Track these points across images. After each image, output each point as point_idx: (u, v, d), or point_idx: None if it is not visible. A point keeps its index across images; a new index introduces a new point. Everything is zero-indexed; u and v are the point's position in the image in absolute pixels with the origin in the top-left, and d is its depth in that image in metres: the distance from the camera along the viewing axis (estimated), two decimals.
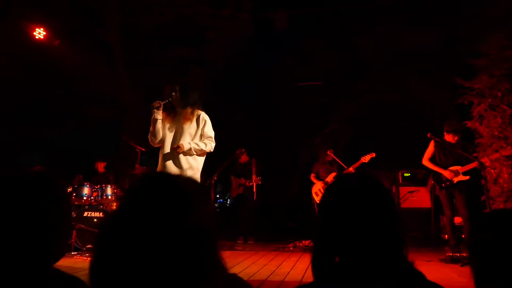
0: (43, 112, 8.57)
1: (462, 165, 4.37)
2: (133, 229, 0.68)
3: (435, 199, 5.19)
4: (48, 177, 1.02)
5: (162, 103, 3.35)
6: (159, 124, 3.36)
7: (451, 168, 4.40)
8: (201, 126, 3.39)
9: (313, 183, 6.22)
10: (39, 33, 6.57)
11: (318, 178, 6.14)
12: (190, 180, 0.85)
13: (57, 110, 8.58)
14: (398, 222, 1.01)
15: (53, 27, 6.87)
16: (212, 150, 3.42)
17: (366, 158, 5.49)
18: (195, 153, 3.33)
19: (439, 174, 4.46)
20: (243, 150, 6.31)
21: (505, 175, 5.05)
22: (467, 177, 4.34)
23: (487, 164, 4.45)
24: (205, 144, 3.34)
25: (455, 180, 4.36)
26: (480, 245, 1.08)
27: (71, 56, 7.47)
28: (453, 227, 4.46)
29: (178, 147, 3.25)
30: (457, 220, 4.78)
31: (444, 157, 4.49)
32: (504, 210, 1.23)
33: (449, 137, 4.45)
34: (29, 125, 8.58)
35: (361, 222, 0.96)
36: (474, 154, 4.53)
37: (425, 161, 4.63)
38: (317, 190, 6.17)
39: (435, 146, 4.55)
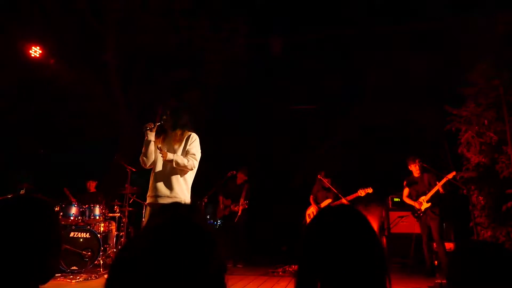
0: (36, 129, 8.54)
1: (425, 194, 5.08)
2: (159, 274, 0.70)
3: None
4: (38, 200, 1.06)
5: (155, 125, 3.37)
6: (151, 146, 3.37)
7: (419, 199, 5.12)
8: (188, 143, 3.40)
9: (309, 204, 6.23)
10: (35, 51, 6.64)
11: (316, 201, 6.16)
12: (206, 219, 0.88)
13: (51, 127, 8.57)
14: (379, 253, 1.03)
15: (49, 46, 6.95)
16: (193, 169, 3.35)
17: (362, 192, 5.58)
18: (175, 166, 3.29)
19: (413, 206, 5.20)
20: (234, 172, 6.30)
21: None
22: (429, 204, 5.01)
23: (440, 190, 4.98)
24: (187, 160, 3.30)
25: (422, 208, 5.07)
26: (458, 278, 1.13)
27: (67, 75, 7.53)
28: (429, 251, 5.07)
29: (161, 150, 3.23)
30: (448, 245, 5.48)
31: (415, 191, 5.23)
32: (482, 243, 1.27)
33: (413, 171, 5.21)
34: (21, 142, 8.53)
35: (341, 254, 0.99)
36: (436, 187, 4.99)
37: (404, 198, 5.41)
38: (311, 213, 6.19)
39: (407, 184, 5.32)
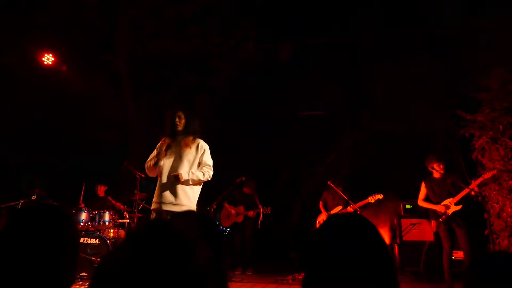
0: (48, 135, 8.65)
1: (453, 196, 4.51)
2: (136, 279, 0.69)
3: (437, 233, 5.11)
4: (57, 208, 1.06)
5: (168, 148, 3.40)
6: (160, 168, 3.41)
7: (443, 202, 4.55)
8: (199, 154, 3.40)
9: (319, 212, 6.18)
10: (48, 58, 6.75)
11: (326, 207, 6.10)
12: (188, 222, 0.87)
13: (62, 133, 8.67)
14: (388, 263, 0.99)
15: (61, 52, 7.06)
16: (209, 179, 3.41)
17: (372, 199, 5.46)
18: (192, 183, 3.31)
19: (435, 211, 4.61)
20: (244, 178, 6.26)
21: (509, 209, 4.94)
22: (460, 206, 4.45)
23: (475, 189, 4.56)
24: (203, 174, 3.33)
25: (449, 212, 4.49)
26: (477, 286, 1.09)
27: (78, 81, 7.63)
28: (450, 261, 4.49)
29: (177, 176, 3.23)
30: (455, 254, 4.93)
31: (435, 194, 4.66)
32: (501, 253, 1.21)
33: (436, 172, 4.66)
34: (33, 147, 8.65)
35: (348, 263, 0.95)
36: (471, 186, 4.51)
37: (420, 202, 4.83)
38: (321, 220, 6.13)
39: (426, 186, 4.76)
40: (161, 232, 0.78)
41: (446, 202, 4.54)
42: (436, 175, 4.69)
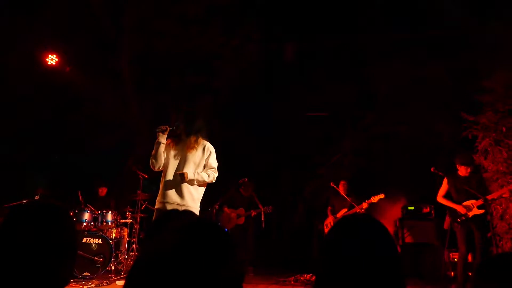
0: (52, 134, 8.69)
1: (476, 199, 4.29)
2: (178, 276, 0.70)
3: (442, 235, 5.03)
4: (54, 206, 1.06)
5: (168, 128, 3.38)
6: (162, 148, 3.38)
7: (464, 203, 4.36)
8: (206, 156, 3.41)
9: (324, 214, 6.20)
10: (52, 59, 6.78)
11: (332, 212, 6.12)
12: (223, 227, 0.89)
13: (65, 133, 8.70)
14: (398, 266, 1.00)
15: (65, 53, 7.09)
16: (214, 181, 3.43)
17: (375, 199, 5.48)
18: (196, 184, 3.33)
19: (455, 210, 4.42)
20: (246, 179, 6.30)
21: None
22: (482, 211, 4.27)
23: (506, 195, 4.46)
24: (208, 175, 3.35)
25: (470, 214, 4.30)
26: None
27: (82, 80, 7.65)
28: (465, 265, 4.32)
29: (183, 174, 3.25)
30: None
31: (457, 193, 4.44)
32: (508, 255, 1.21)
33: (462, 171, 4.42)
34: (37, 146, 8.69)
35: (359, 264, 0.96)
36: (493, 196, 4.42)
37: (440, 198, 4.61)
38: (328, 223, 6.14)
39: (448, 182, 4.52)
40: (210, 230, 0.79)
41: (468, 203, 4.36)
42: (461, 173, 4.46)
